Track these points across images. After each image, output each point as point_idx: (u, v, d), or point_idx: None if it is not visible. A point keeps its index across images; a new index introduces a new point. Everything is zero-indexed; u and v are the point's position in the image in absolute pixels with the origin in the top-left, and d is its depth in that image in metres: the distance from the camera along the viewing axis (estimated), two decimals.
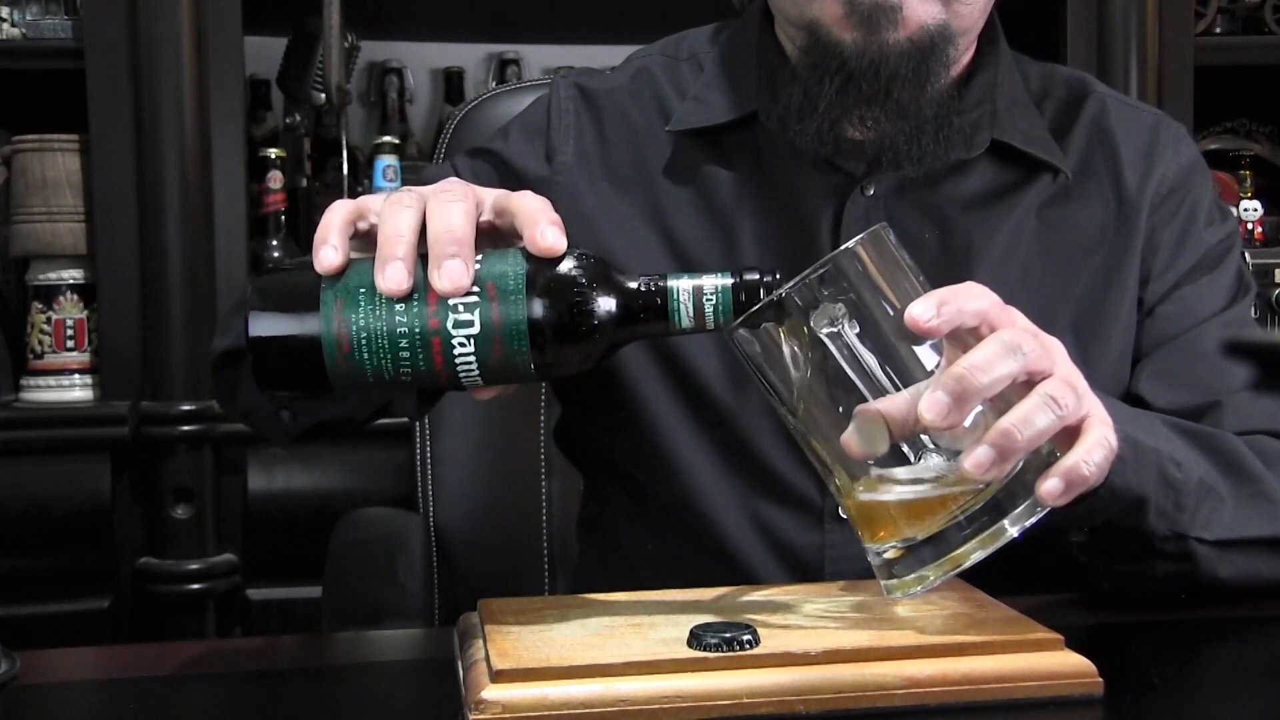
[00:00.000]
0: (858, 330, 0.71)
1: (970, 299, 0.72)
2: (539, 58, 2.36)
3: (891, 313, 0.71)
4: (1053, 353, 0.74)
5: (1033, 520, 0.72)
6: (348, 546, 1.33)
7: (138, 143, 1.85)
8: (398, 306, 0.71)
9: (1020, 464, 0.72)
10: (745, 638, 0.70)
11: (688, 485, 1.02)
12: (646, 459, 1.04)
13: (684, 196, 1.04)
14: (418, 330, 0.71)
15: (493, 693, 0.67)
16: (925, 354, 0.72)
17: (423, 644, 0.97)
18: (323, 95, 2.07)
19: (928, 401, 0.69)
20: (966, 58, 1.03)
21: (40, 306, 1.88)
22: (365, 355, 0.71)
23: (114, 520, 1.86)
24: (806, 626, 0.75)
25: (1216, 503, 0.89)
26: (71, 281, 1.88)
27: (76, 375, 1.88)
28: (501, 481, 1.33)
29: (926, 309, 0.70)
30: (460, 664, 0.74)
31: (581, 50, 2.31)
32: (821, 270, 0.70)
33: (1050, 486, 0.72)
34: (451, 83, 2.33)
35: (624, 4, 2.05)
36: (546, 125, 1.08)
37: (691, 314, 0.73)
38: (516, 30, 2.33)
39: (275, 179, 2.03)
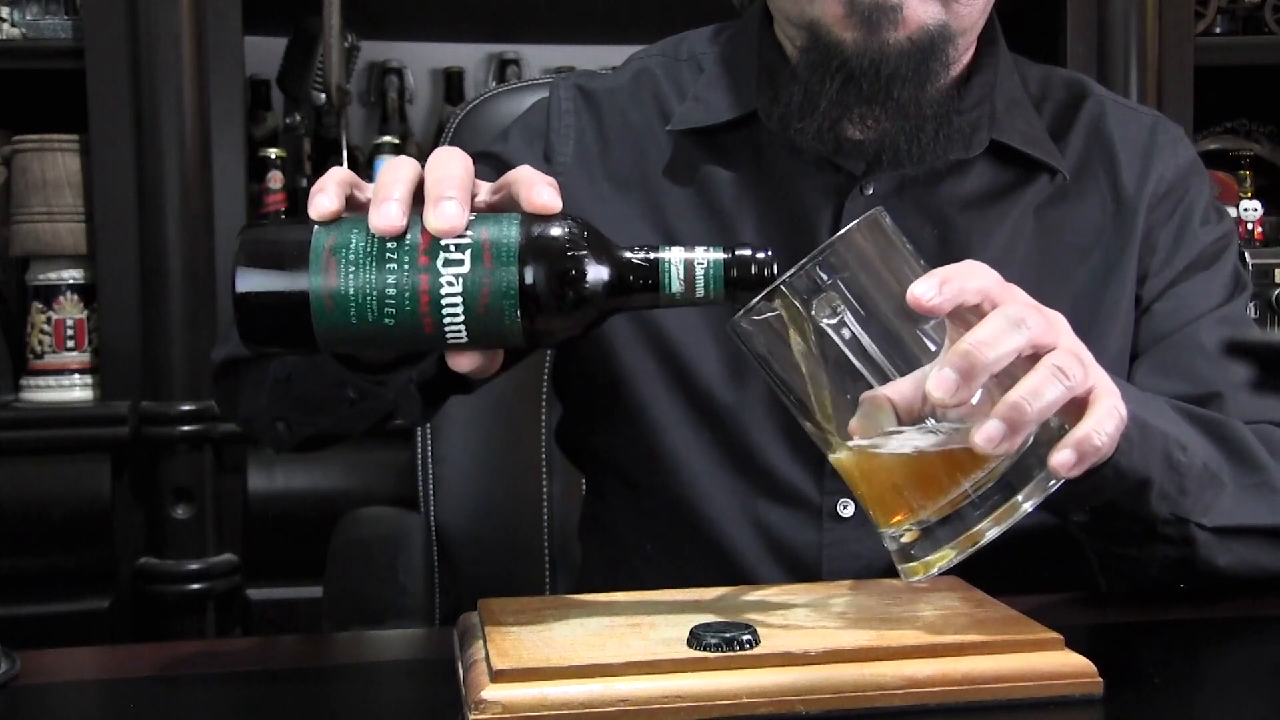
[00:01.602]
0: (859, 315, 0.71)
1: (972, 277, 0.72)
2: (539, 58, 2.36)
3: (892, 296, 0.71)
4: (1057, 326, 0.74)
5: (1046, 494, 0.72)
6: (348, 546, 1.33)
7: (138, 143, 1.85)
8: (389, 245, 0.70)
9: (1031, 438, 0.72)
10: (745, 638, 0.70)
11: (687, 484, 1.03)
12: (645, 459, 1.04)
13: (684, 196, 1.04)
14: (406, 267, 0.70)
15: (493, 693, 0.67)
16: (927, 336, 0.72)
17: (423, 644, 0.97)
18: (323, 95, 2.07)
19: (935, 380, 0.69)
20: (966, 58, 1.03)
21: (40, 306, 1.88)
22: (351, 294, 0.70)
23: (114, 520, 1.86)
24: (806, 626, 0.75)
25: (1219, 489, 0.89)
26: (71, 281, 1.88)
27: (76, 375, 1.88)
28: (502, 481, 1.33)
29: (928, 288, 0.70)
30: (460, 664, 0.74)
31: (581, 50, 2.31)
32: (819, 256, 0.70)
33: (1062, 458, 0.71)
34: (451, 83, 2.33)
35: (624, 4, 2.05)
36: (546, 127, 1.08)
37: (682, 279, 0.72)
38: (516, 30, 2.33)
39: (275, 179, 2.03)
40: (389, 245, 0.70)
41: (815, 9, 0.96)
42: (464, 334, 0.71)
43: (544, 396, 1.30)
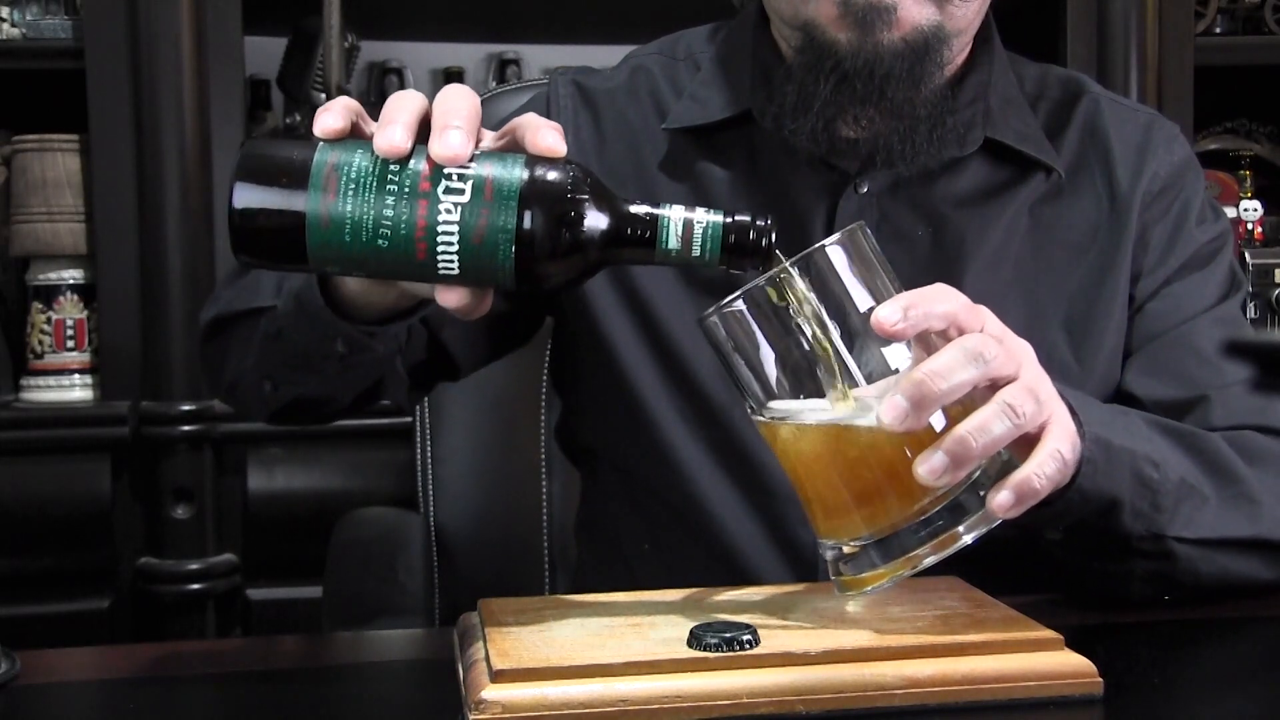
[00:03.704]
0: (829, 322, 0.71)
1: (938, 302, 0.72)
2: (539, 58, 2.36)
3: (862, 311, 0.71)
4: (1019, 357, 0.74)
5: (989, 527, 0.72)
6: (348, 546, 1.33)
7: (138, 143, 1.85)
8: (391, 168, 0.70)
9: (978, 470, 0.72)
10: (745, 638, 0.70)
11: (685, 482, 1.03)
12: (644, 456, 1.04)
13: (679, 194, 1.04)
14: (407, 191, 0.70)
15: (493, 693, 0.67)
16: (895, 350, 0.72)
17: (423, 644, 0.97)
18: (323, 95, 2.07)
19: (887, 406, 0.70)
20: (961, 57, 1.03)
21: (40, 306, 1.88)
22: (348, 211, 0.70)
23: (114, 520, 1.86)
24: (806, 626, 0.75)
25: (1199, 502, 0.89)
26: (71, 281, 1.88)
27: (76, 375, 1.88)
28: (501, 481, 1.33)
29: (893, 312, 0.70)
30: (460, 664, 0.74)
31: (581, 50, 2.31)
32: (795, 266, 0.70)
33: (1001, 499, 0.72)
34: (451, 83, 2.32)
35: (624, 4, 2.05)
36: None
37: (679, 237, 0.71)
38: (516, 30, 2.33)
39: None
40: (391, 168, 0.71)
41: (810, 9, 0.96)
42: (455, 265, 0.71)
43: (543, 397, 1.30)
